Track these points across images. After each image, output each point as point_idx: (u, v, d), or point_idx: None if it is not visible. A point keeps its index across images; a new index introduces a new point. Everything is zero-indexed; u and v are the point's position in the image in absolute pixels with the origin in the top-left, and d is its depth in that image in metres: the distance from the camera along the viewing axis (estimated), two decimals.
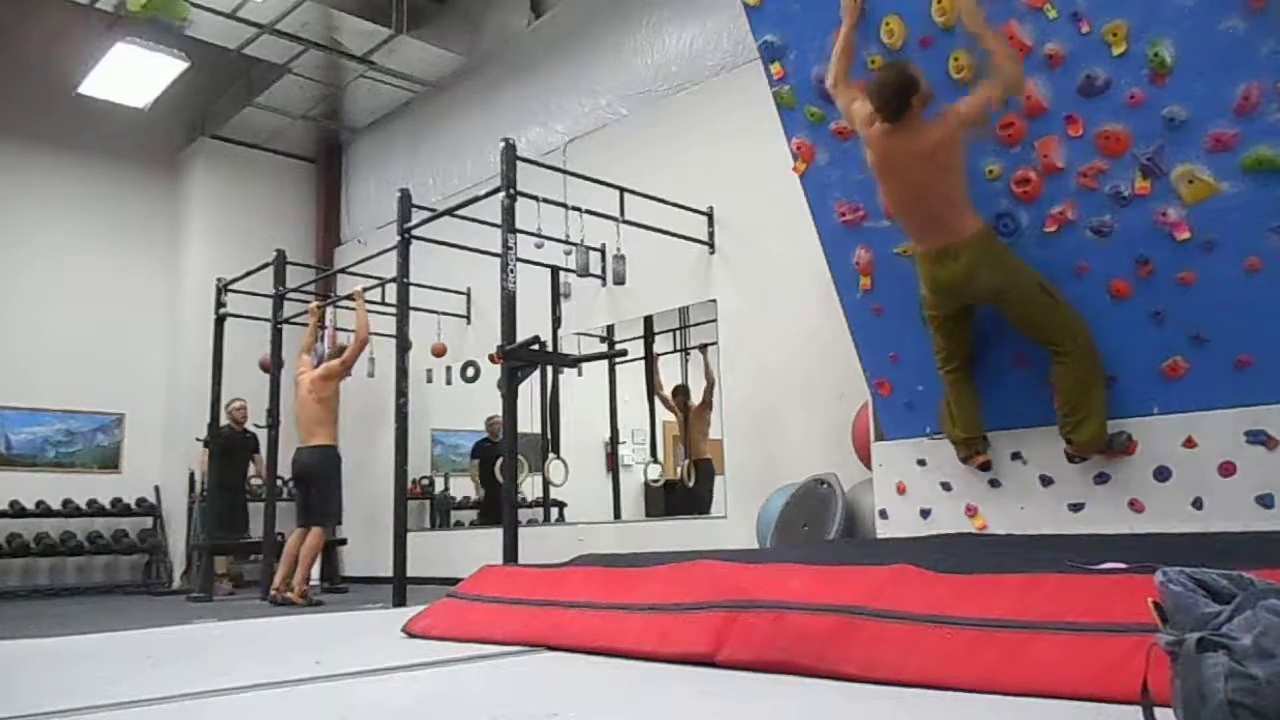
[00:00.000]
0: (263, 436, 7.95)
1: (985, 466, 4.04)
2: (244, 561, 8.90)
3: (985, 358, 3.95)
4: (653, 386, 7.89)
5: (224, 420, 8.21)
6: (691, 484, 7.29)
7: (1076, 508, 3.81)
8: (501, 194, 5.33)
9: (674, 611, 2.72)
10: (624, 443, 8.02)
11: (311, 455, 6.57)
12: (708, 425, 7.35)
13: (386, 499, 6.26)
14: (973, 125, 3.52)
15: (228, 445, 8.16)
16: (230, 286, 8.09)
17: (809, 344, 5.77)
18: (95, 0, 7.58)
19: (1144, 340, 3.58)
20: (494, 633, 3.24)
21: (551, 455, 7.44)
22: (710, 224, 6.61)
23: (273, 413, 7.60)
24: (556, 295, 7.51)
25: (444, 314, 8.23)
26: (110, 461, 9.52)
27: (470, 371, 8.36)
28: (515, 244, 5.25)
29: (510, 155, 5.41)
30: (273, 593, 6.52)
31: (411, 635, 3.57)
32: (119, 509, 9.27)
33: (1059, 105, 3.49)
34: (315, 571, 7.21)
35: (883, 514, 4.45)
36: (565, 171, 6.43)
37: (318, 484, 6.54)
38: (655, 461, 7.86)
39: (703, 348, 7.25)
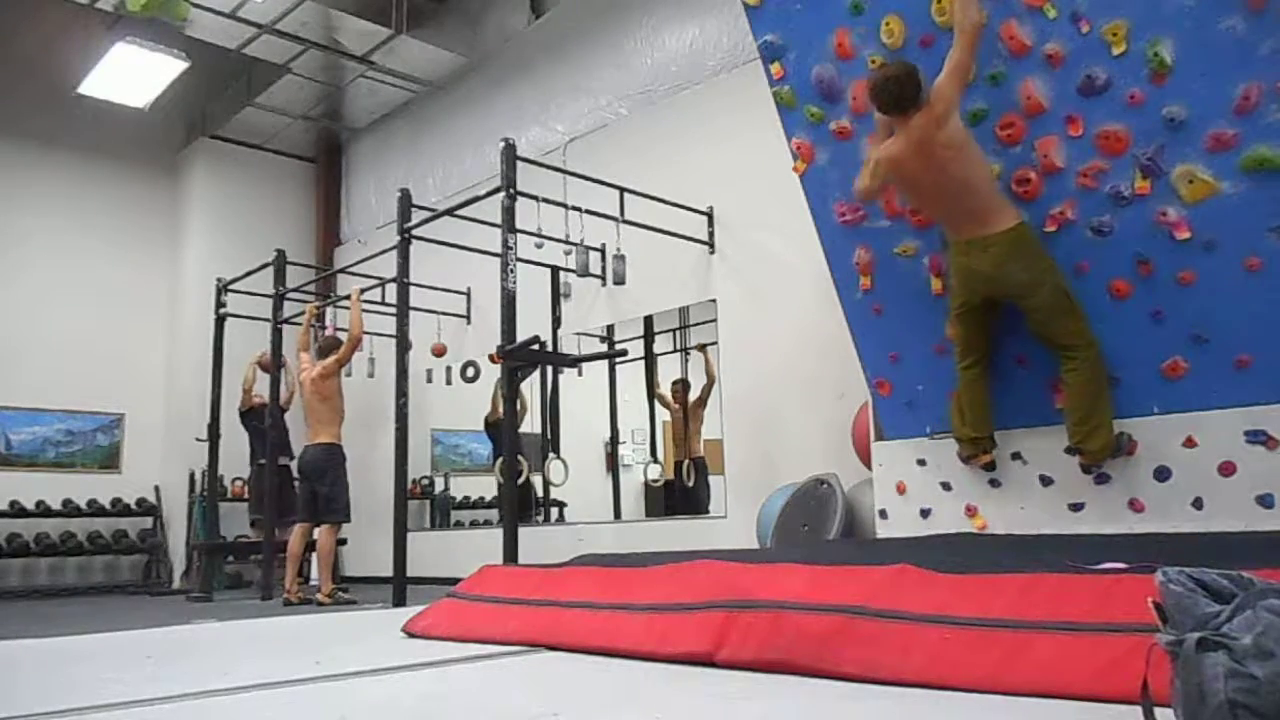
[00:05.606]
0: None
1: (989, 466, 4.03)
2: (244, 561, 8.88)
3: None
4: (653, 386, 7.89)
5: (242, 405, 8.25)
6: (691, 483, 7.30)
7: (1076, 508, 3.81)
8: (501, 194, 5.34)
9: (674, 611, 2.72)
10: (624, 443, 8.01)
11: (316, 452, 6.61)
12: (702, 424, 7.39)
13: (386, 499, 6.26)
14: (959, 92, 3.49)
15: (263, 430, 7.93)
16: (230, 286, 8.10)
17: (809, 344, 5.76)
18: (95, 0, 7.57)
19: (1144, 340, 3.58)
20: (494, 633, 3.24)
21: (551, 455, 7.44)
22: (710, 224, 6.60)
23: (273, 412, 7.61)
24: (556, 295, 7.50)
25: (444, 314, 8.23)
26: (110, 461, 9.51)
27: (470, 371, 8.36)
28: (515, 244, 5.25)
29: (510, 155, 5.41)
30: (285, 595, 6.53)
31: (411, 635, 3.57)
32: (119, 509, 9.26)
33: (1059, 105, 3.49)
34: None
35: (883, 514, 4.45)
36: (565, 171, 6.43)
37: (324, 480, 6.56)
38: (655, 461, 7.86)
39: (702, 346, 7.25)
